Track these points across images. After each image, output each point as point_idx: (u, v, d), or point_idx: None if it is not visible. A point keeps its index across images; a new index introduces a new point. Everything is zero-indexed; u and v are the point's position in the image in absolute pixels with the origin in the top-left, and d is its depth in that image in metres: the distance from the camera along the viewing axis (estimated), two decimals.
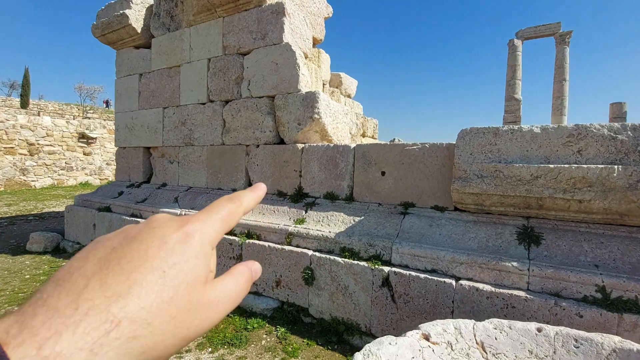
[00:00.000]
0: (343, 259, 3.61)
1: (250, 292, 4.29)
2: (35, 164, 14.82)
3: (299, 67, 4.76)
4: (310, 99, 4.62)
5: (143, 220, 5.61)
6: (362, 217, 3.99)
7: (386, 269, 3.35)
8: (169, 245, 0.28)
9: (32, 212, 10.54)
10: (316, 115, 4.59)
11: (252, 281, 0.36)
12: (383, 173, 4.08)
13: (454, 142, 3.74)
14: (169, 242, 0.28)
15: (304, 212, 4.40)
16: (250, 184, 5.15)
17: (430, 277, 3.13)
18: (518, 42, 26.09)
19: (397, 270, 3.30)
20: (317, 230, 3.99)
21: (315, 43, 6.15)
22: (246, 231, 4.50)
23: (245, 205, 0.38)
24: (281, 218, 4.47)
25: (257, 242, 4.26)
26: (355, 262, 3.52)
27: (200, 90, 5.85)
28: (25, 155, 14.68)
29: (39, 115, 15.72)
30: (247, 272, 0.35)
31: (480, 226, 3.38)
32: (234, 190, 5.39)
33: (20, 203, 11.91)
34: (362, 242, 3.63)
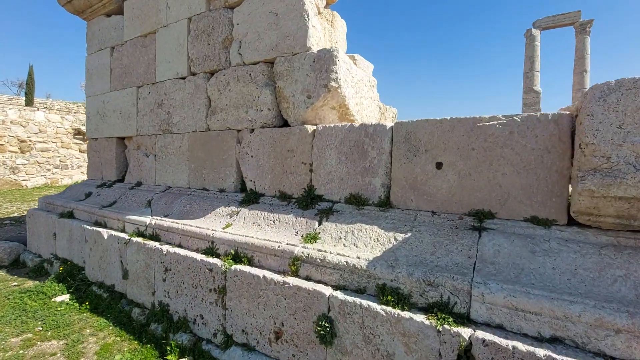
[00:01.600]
0: (383, 306, 2.12)
1: (237, 344, 2.81)
2: (27, 162, 13.57)
3: (307, 17, 3.26)
4: (326, 61, 3.11)
5: (108, 230, 4.21)
6: (409, 234, 2.48)
7: (464, 331, 1.85)
8: None
9: (12, 215, 9.23)
10: (333, 84, 3.08)
11: None
12: (439, 165, 2.57)
13: (568, 111, 2.19)
14: None
15: (316, 224, 2.91)
16: (242, 182, 3.68)
17: (556, 356, 1.62)
18: (536, 32, 24.22)
19: (486, 336, 1.79)
20: (339, 253, 2.49)
21: (329, 2, 4.63)
22: (233, 251, 3.02)
23: None
24: (284, 232, 2.98)
25: (248, 269, 2.78)
26: (406, 314, 2.02)
27: (179, 60, 4.38)
28: (15, 152, 13.43)
29: (37, 110, 14.49)
30: None
31: (631, 256, 1.86)
32: (222, 190, 3.92)
33: (3, 204, 10.62)
34: (415, 278, 2.12)
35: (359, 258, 2.40)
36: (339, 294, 2.29)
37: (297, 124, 3.38)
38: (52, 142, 14.28)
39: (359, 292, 2.32)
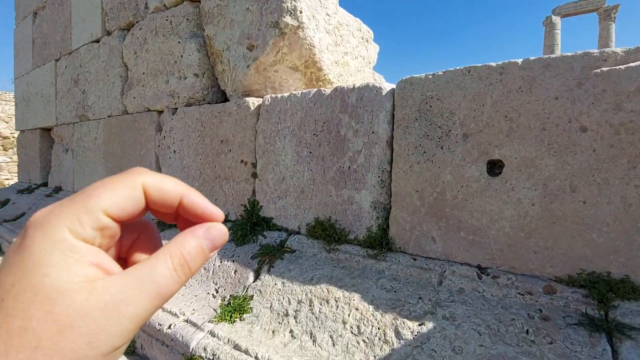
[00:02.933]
0: None
1: None
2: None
3: None
4: None
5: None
6: (431, 326, 1.06)
7: None
8: (6, 262, 0.18)
9: None
10: (289, 20, 1.67)
11: (201, 254, 0.22)
12: (495, 166, 1.14)
13: None
14: (7, 257, 0.19)
15: (251, 277, 1.53)
16: None
17: None
18: (556, 19, 22.18)
19: None
20: None
21: None
22: None
23: None
24: (197, 289, 1.61)
25: None
26: None
27: (93, 16, 3.02)
28: None
29: None
30: (187, 245, 0.22)
31: None
32: None
33: None
34: None
35: None
36: None
37: (236, 96, 1.98)
38: None
39: None
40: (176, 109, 2.28)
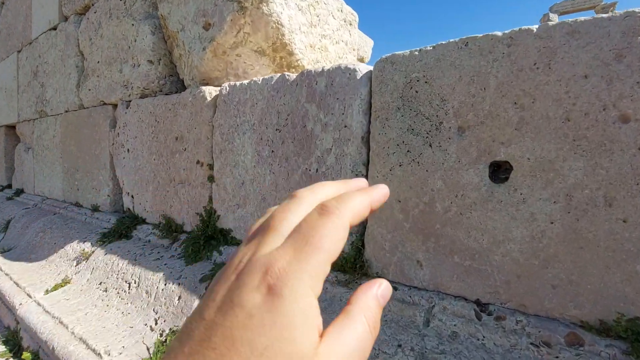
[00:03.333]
0: None
1: None
2: None
3: None
4: None
5: None
6: None
7: None
8: (254, 320, 0.17)
9: None
10: None
11: (380, 313, 0.21)
12: (498, 169, 0.84)
13: None
14: (253, 313, 0.17)
15: (194, 307, 1.20)
16: (121, 197, 2.01)
17: None
18: (554, 17, 22.01)
19: None
20: None
21: None
22: (36, 350, 1.34)
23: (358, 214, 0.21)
24: (133, 317, 1.32)
25: None
26: None
27: (51, 1, 2.71)
28: None
29: None
30: (371, 304, 0.21)
31: None
32: (96, 209, 2.25)
33: None
34: None
35: None
36: None
37: (194, 85, 1.68)
38: None
39: None
40: (130, 100, 1.98)
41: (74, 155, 2.48)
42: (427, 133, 0.97)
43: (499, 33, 0.86)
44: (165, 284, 1.39)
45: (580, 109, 0.77)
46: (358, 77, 1.09)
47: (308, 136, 1.20)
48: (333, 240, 0.19)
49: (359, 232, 1.13)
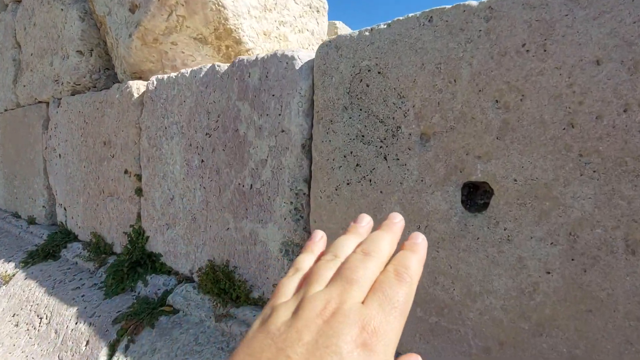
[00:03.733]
0: None
1: None
2: None
3: None
4: None
5: None
6: None
7: None
8: None
9: None
10: None
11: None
12: (474, 192, 0.61)
13: None
14: None
15: (101, 358, 0.95)
16: (53, 205, 1.74)
17: None
18: None
19: None
20: None
21: None
22: None
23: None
24: None
25: None
26: None
27: None
28: None
29: None
30: None
31: None
32: (32, 221, 1.97)
33: None
34: None
35: None
36: None
37: (126, 79, 1.41)
38: None
39: None
40: (61, 99, 1.70)
41: (12, 159, 2.19)
42: (382, 141, 0.72)
43: (474, 2, 0.61)
44: (76, 323, 1.12)
45: (589, 110, 0.52)
46: (297, 67, 0.83)
47: (241, 143, 0.95)
48: (408, 306, 0.20)
49: None
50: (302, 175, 0.85)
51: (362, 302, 0.20)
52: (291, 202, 0.85)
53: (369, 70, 0.72)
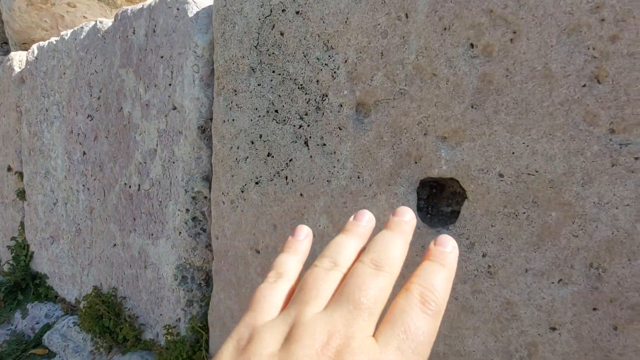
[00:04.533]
0: None
1: None
2: None
3: None
4: None
5: None
6: None
7: None
8: None
9: None
10: None
11: None
12: (436, 195, 0.35)
13: None
14: None
15: None
16: None
17: None
18: None
19: None
20: None
21: None
22: None
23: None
24: None
25: None
26: None
27: None
28: None
29: None
30: None
31: None
32: None
33: None
34: None
35: None
36: None
37: (17, 47, 1.10)
38: None
39: None
40: None
41: None
42: (301, 118, 0.47)
43: None
44: None
45: (629, 51, 0.29)
46: (191, 15, 0.57)
47: (125, 126, 0.68)
48: (430, 348, 0.16)
49: (203, 302, 0.62)
50: (201, 171, 0.59)
51: (374, 335, 0.15)
52: (187, 210, 0.59)
53: (283, 10, 0.47)
